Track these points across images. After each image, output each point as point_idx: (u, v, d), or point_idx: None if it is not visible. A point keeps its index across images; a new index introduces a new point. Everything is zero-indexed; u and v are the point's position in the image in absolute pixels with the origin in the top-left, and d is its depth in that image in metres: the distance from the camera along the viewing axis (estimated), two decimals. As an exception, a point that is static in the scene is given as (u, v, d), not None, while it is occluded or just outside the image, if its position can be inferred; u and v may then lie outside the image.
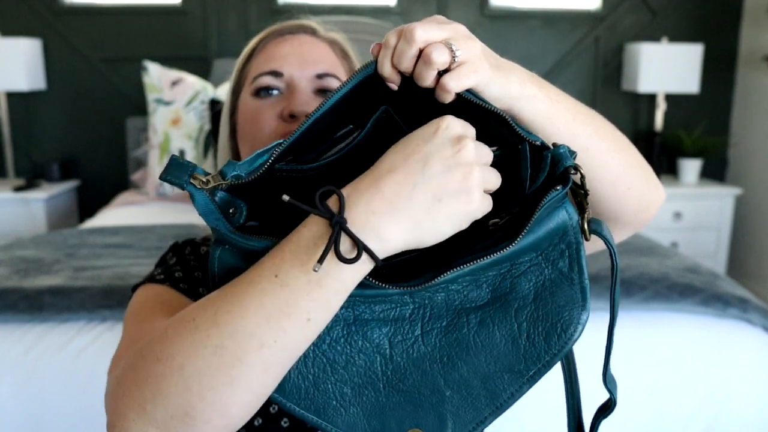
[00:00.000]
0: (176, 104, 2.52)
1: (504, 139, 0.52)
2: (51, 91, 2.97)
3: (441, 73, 0.48)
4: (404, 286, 0.49)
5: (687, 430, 1.30)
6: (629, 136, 3.23)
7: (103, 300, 1.29)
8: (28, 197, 2.68)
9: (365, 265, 0.46)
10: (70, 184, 2.94)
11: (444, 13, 3.03)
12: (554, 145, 0.50)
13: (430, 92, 0.50)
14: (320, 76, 0.75)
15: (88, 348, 1.24)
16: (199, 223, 2.24)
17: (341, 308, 0.50)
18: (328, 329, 0.51)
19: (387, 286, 0.48)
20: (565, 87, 3.23)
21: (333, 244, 0.43)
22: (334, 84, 0.76)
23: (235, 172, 0.49)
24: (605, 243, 0.52)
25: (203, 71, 2.90)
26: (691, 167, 3.01)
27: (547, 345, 0.50)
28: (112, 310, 1.28)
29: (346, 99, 0.51)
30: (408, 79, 0.50)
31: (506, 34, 3.09)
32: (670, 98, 3.16)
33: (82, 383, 1.22)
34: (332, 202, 0.46)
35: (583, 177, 0.51)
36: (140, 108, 2.93)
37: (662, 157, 3.15)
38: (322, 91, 0.76)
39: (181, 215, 2.28)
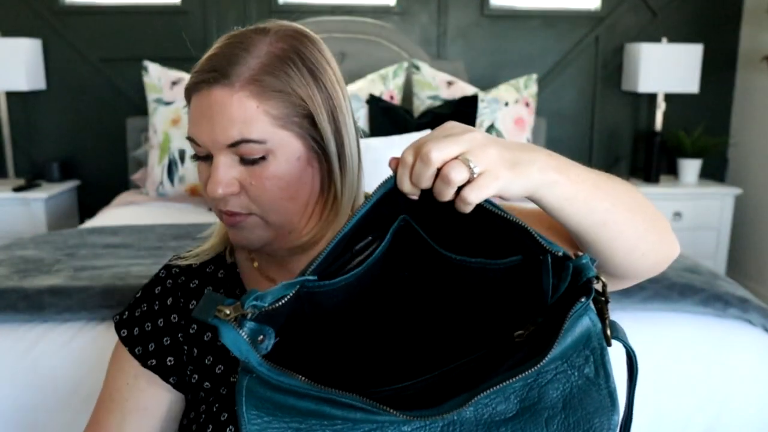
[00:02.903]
0: (176, 104, 2.52)
1: (525, 248, 0.52)
2: (51, 90, 2.97)
3: (461, 186, 0.48)
4: (438, 414, 0.47)
5: (687, 430, 1.30)
6: (629, 136, 3.23)
7: (103, 300, 1.29)
8: (28, 197, 2.68)
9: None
10: (70, 184, 2.94)
11: (444, 14, 3.03)
12: (575, 255, 0.50)
13: (450, 201, 0.50)
14: (234, 145, 0.67)
15: (88, 348, 1.24)
16: (199, 222, 2.23)
17: None
18: None
19: (424, 417, 0.47)
20: (565, 87, 3.23)
21: None
22: (252, 151, 0.67)
23: (258, 303, 0.47)
24: (625, 348, 0.52)
25: (203, 71, 2.90)
26: (691, 167, 3.01)
27: None
28: (112, 310, 1.28)
29: (366, 214, 0.51)
30: (427, 190, 0.50)
31: (506, 34, 3.08)
32: (670, 98, 3.16)
33: (81, 383, 1.22)
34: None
35: (605, 285, 0.51)
36: (140, 108, 2.93)
37: (662, 157, 3.14)
38: (245, 161, 0.68)
39: (182, 215, 2.28)
